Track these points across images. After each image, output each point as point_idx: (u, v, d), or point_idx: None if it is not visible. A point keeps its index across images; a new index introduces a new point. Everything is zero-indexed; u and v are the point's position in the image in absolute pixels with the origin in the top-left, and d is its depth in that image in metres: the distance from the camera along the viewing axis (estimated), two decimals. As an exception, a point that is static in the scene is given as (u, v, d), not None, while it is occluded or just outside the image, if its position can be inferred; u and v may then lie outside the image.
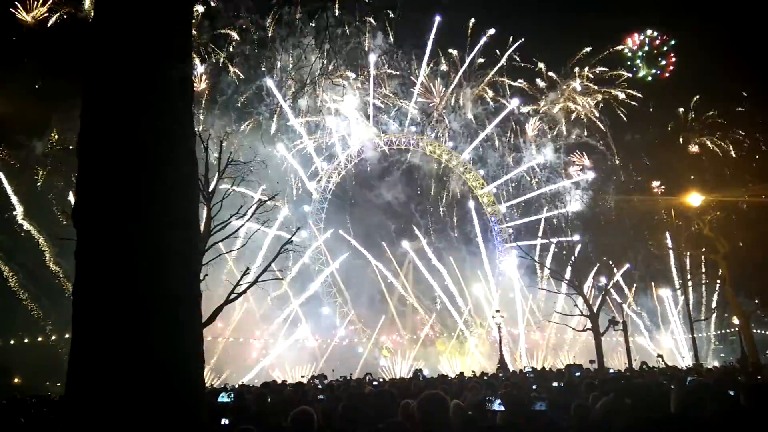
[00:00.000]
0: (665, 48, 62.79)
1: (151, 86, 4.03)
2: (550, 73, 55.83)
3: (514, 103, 55.67)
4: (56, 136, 39.63)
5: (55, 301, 39.24)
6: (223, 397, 7.22)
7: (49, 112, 38.65)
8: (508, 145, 56.80)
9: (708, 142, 53.03)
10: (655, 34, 62.65)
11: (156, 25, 4.16)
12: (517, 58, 54.44)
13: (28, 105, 38.01)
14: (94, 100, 4.10)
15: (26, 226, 39.38)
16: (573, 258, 39.42)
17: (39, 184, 40.36)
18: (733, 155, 50.34)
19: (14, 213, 39.35)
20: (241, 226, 20.09)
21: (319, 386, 16.86)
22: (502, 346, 34.96)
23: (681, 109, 55.44)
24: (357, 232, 52.94)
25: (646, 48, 62.61)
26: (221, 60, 46.20)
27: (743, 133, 50.91)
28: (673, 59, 61.98)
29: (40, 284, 39.85)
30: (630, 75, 58.54)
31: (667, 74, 61.44)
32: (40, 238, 39.47)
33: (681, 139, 54.04)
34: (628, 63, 61.04)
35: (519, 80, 55.67)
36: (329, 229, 50.85)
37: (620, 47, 60.69)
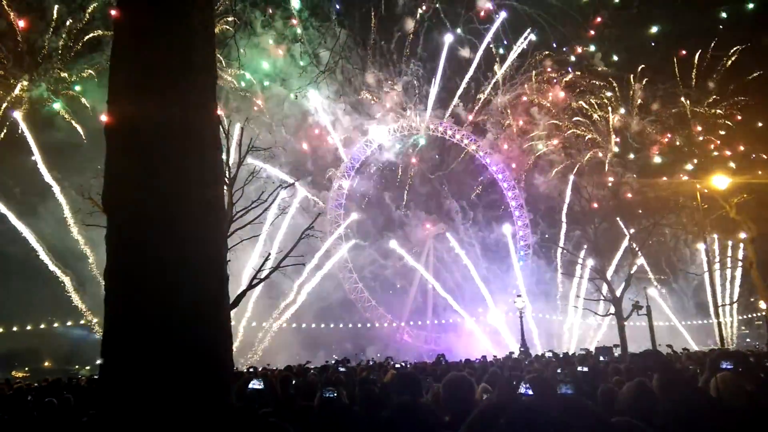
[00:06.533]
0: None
1: (176, 68, 4.03)
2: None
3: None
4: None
5: (85, 286, 39.89)
6: (255, 384, 7.17)
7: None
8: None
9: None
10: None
11: (178, 6, 4.15)
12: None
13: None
14: (120, 84, 4.13)
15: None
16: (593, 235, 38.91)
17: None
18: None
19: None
20: (265, 209, 20.09)
21: (341, 368, 16.91)
22: (524, 331, 34.81)
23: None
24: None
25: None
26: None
27: None
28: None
29: (69, 268, 40.39)
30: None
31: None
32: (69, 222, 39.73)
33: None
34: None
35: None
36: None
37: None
